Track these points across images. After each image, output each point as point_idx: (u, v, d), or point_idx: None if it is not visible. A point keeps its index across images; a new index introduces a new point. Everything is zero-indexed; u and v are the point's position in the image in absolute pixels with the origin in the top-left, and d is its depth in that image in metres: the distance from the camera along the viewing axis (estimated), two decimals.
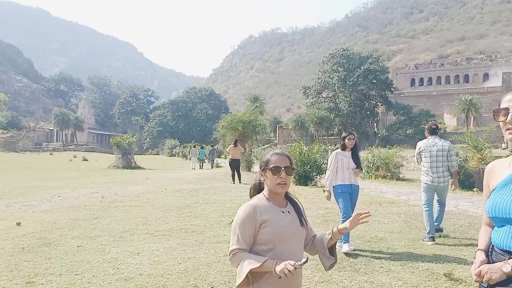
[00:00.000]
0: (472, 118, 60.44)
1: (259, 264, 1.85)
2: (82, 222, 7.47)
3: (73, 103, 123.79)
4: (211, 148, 30.30)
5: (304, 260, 1.87)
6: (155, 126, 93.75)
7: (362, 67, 60.19)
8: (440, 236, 6.34)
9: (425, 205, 6.29)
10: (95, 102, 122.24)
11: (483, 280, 1.66)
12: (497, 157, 12.95)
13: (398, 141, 45.42)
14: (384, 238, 6.21)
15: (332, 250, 2.14)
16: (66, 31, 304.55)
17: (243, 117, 22.14)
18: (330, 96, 64.87)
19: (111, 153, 42.38)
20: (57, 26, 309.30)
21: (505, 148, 23.65)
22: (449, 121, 68.69)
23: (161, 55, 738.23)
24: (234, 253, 1.94)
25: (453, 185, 6.58)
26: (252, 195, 2.18)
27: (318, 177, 14.01)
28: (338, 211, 8.22)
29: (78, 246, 5.75)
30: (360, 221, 2.08)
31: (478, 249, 1.83)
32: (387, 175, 16.01)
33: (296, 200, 2.19)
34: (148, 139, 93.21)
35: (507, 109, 1.67)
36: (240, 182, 14.86)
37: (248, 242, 1.96)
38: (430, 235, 6.06)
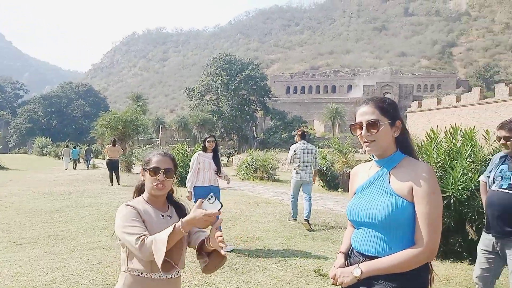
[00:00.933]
0: (337, 125, 66.90)
1: (170, 231, 1.70)
2: None
3: None
4: (87, 147, 28.59)
5: (213, 200, 1.79)
6: (24, 122, 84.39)
7: (243, 73, 62.41)
8: (310, 230, 7.14)
9: (292, 196, 7.86)
10: None
11: (337, 283, 1.71)
12: (358, 161, 14.62)
13: (274, 144, 47.99)
14: (261, 237, 6.49)
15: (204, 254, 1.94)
16: None
17: (124, 116, 21.17)
18: (213, 99, 65.83)
19: None
20: None
21: (363, 153, 26.68)
22: (318, 127, 75.06)
23: (33, 46, 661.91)
24: (142, 240, 1.73)
25: (313, 179, 7.98)
26: (134, 197, 2.06)
27: None
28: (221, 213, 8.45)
29: None
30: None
31: (339, 251, 1.89)
32: (264, 177, 16.84)
33: (181, 204, 2.09)
34: (14, 136, 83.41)
35: (361, 123, 1.72)
36: (118, 184, 14.27)
37: (144, 229, 1.80)
38: (294, 217, 7.78)
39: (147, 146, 36.83)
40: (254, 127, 70.23)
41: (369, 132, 1.69)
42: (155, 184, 1.93)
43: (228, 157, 35.92)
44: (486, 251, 3.12)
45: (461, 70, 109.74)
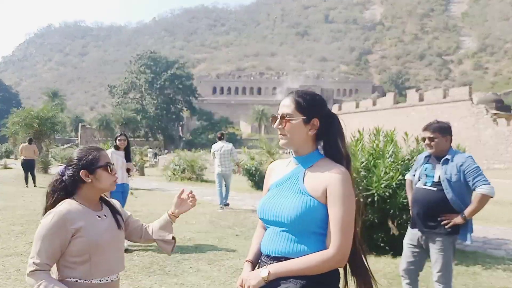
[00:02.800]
0: (263, 127, 68.23)
1: None
2: None
3: None
4: None
5: None
6: None
7: (169, 71, 61.21)
8: (224, 207, 9.44)
9: (218, 186, 9.50)
10: None
11: None
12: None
13: (201, 145, 47.69)
14: (193, 238, 6.43)
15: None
16: None
17: (40, 113, 19.82)
18: (137, 97, 63.75)
19: None
20: None
21: (288, 153, 27.43)
22: (245, 128, 75.88)
23: None
24: (33, 272, 1.66)
25: (237, 172, 10.37)
26: (54, 201, 1.82)
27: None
28: (147, 214, 8.23)
29: None
30: (190, 202, 2.05)
31: (246, 260, 1.78)
32: (192, 177, 16.66)
33: (111, 201, 2.00)
34: None
35: (278, 114, 1.69)
36: (35, 186, 13.45)
37: (52, 257, 1.70)
38: (221, 205, 9.46)
39: (66, 146, 34.73)
40: (180, 127, 69.21)
41: (281, 125, 1.66)
42: (113, 180, 1.88)
43: (155, 156, 35.09)
44: (412, 245, 3.33)
45: (376, 76, 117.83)
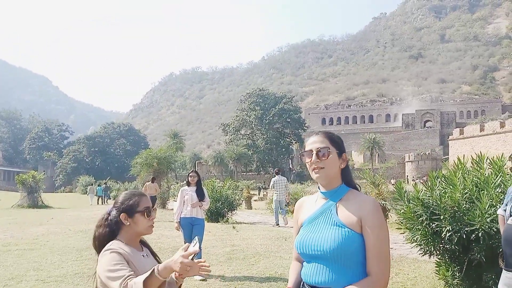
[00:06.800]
0: (376, 155, 65.44)
1: (147, 275, 1.67)
2: None
3: None
4: (104, 185, 32.57)
5: (195, 243, 1.71)
6: (69, 162, 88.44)
7: (277, 107, 63.15)
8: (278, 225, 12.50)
9: (275, 209, 12.87)
10: (3, 137, 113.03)
11: None
12: (394, 194, 14.11)
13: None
14: (283, 274, 6.28)
15: None
16: None
17: (158, 153, 21.73)
18: (248, 133, 66.74)
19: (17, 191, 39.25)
20: None
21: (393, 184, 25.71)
22: (357, 158, 73.65)
23: (78, 89, 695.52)
24: (125, 283, 1.70)
25: (287, 199, 13.24)
26: (100, 245, 1.95)
27: (229, 213, 14.07)
28: (244, 248, 8.40)
29: None
30: (200, 271, 1.77)
31: (288, 287, 1.88)
32: None
33: (146, 242, 2.12)
34: (61, 175, 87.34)
35: (311, 150, 1.79)
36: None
37: (130, 270, 1.78)
38: (277, 223, 12.53)
39: (184, 182, 37.71)
40: (290, 160, 70.08)
41: (319, 158, 1.77)
42: (150, 224, 2.00)
43: (259, 192, 36.23)
44: None
45: (506, 94, 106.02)
